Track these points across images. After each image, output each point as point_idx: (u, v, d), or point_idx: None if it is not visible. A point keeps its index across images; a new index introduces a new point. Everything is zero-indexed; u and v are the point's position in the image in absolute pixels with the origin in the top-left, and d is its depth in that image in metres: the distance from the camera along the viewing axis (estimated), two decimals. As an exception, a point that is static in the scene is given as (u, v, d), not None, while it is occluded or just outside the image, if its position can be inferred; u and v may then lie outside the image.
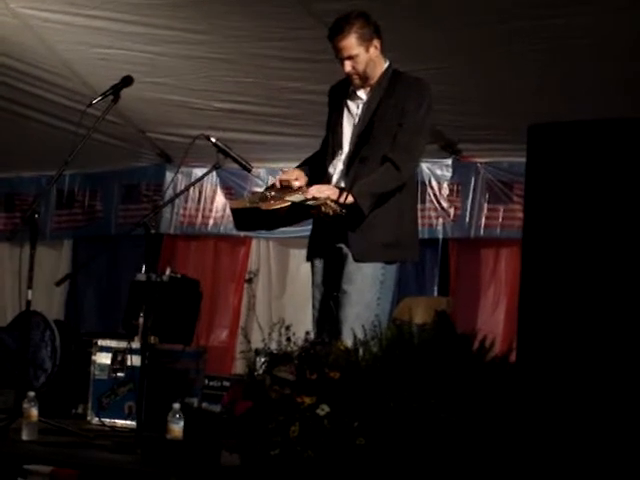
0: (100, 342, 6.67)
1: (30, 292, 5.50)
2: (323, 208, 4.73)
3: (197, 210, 9.14)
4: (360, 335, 4.07)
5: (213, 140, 5.16)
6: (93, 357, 6.64)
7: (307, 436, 3.84)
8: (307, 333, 4.26)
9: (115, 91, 5.50)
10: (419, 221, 5.55)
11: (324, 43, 5.07)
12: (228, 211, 8.41)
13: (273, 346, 4.16)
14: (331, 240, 4.97)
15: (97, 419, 6.41)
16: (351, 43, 4.90)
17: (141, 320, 6.47)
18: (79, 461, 4.55)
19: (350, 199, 4.78)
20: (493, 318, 7.97)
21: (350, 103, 5.08)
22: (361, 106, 5.04)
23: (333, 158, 5.06)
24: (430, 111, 4.99)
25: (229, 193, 8.99)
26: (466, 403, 3.72)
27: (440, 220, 8.18)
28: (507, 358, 3.90)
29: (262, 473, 3.96)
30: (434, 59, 6.44)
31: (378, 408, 3.78)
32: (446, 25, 6.16)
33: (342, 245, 4.93)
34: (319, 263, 5.09)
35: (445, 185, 8.21)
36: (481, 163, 8.08)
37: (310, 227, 5.18)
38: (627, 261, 3.32)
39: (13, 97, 8.12)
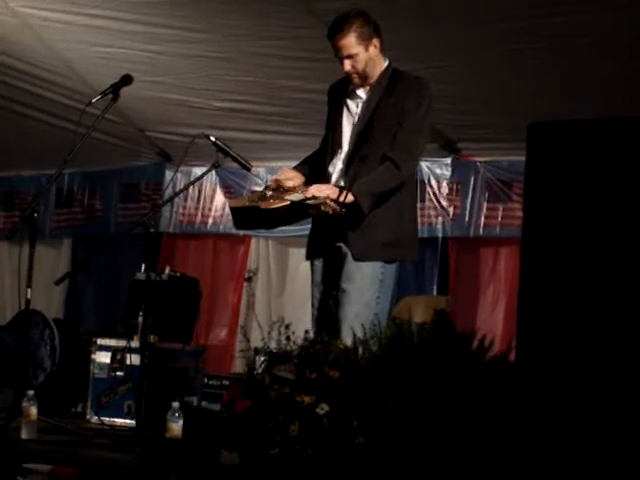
0: (99, 341, 6.67)
1: (29, 291, 5.50)
2: (322, 207, 4.73)
3: (196, 209, 9.15)
4: (359, 334, 4.07)
5: (212, 139, 5.16)
6: (92, 356, 6.63)
7: (306, 435, 3.84)
8: (306, 332, 4.25)
9: (115, 90, 5.50)
10: (418, 220, 5.55)
11: (324, 42, 5.07)
12: (227, 210, 8.41)
13: (272, 345, 4.16)
14: (330, 239, 4.97)
15: (96, 418, 6.40)
16: (350, 42, 4.89)
17: (140, 319, 6.47)
18: (78, 460, 4.54)
19: (350, 198, 4.78)
20: (492, 317, 7.97)
21: (350, 102, 5.08)
22: (361, 105, 5.04)
23: (333, 157, 5.06)
24: (430, 110, 4.99)
25: (228, 192, 8.99)
26: (465, 402, 3.72)
27: (439, 219, 8.19)
28: (506, 357, 3.90)
29: (261, 472, 3.96)
30: (434, 58, 6.44)
31: (377, 407, 3.78)
32: (446, 25, 6.16)
33: (341, 244, 4.93)
34: (318, 262, 5.08)
35: (444, 184, 8.21)
36: (480, 162, 8.09)
37: (309, 226, 5.18)
38: (626, 260, 3.32)
39: (13, 96, 8.12)
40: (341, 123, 5.07)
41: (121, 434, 5.72)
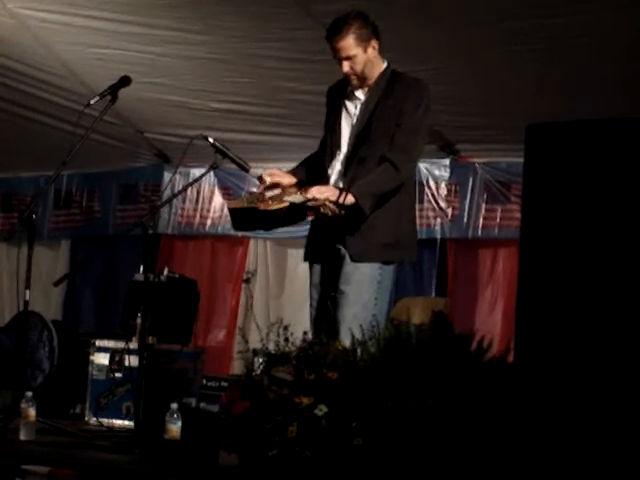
0: (98, 342, 6.68)
1: (28, 292, 5.50)
2: (322, 209, 4.73)
3: (195, 210, 9.14)
4: (358, 335, 4.07)
5: (211, 140, 5.16)
6: (91, 357, 6.63)
7: (305, 436, 3.84)
8: (305, 333, 4.25)
9: (113, 91, 5.50)
10: (417, 221, 5.55)
11: (321, 43, 5.07)
12: (226, 211, 8.40)
13: (271, 346, 4.15)
14: (329, 241, 4.96)
15: (95, 419, 6.41)
16: (349, 43, 4.89)
17: (139, 320, 6.47)
18: (77, 461, 4.54)
19: (350, 199, 4.77)
20: (491, 318, 7.96)
21: (348, 103, 5.08)
22: (359, 106, 5.03)
23: (332, 159, 5.05)
24: (428, 111, 4.99)
25: (227, 193, 8.98)
26: (464, 403, 3.72)
27: (438, 220, 8.18)
28: (505, 358, 3.89)
29: (260, 473, 3.96)
30: (434, 59, 6.44)
31: (376, 408, 3.77)
32: (446, 25, 6.16)
33: (340, 246, 4.93)
34: (317, 263, 5.08)
35: (443, 185, 8.21)
36: (479, 163, 8.08)
37: (308, 227, 5.18)
38: (625, 261, 3.32)
39: (11, 97, 8.12)
40: (340, 124, 5.07)
41: (120, 435, 5.72)
